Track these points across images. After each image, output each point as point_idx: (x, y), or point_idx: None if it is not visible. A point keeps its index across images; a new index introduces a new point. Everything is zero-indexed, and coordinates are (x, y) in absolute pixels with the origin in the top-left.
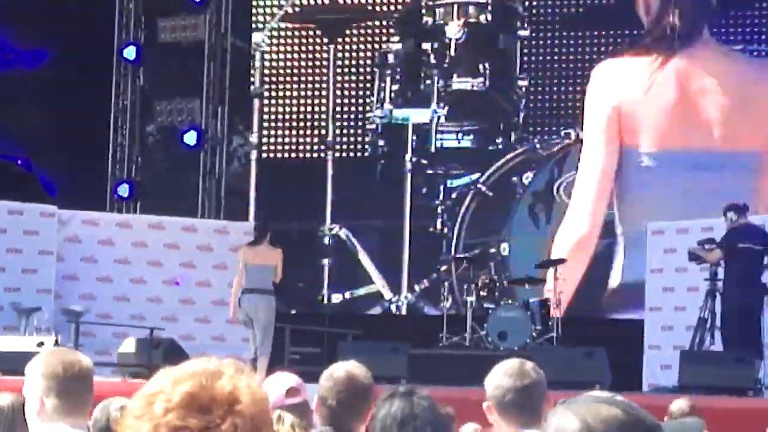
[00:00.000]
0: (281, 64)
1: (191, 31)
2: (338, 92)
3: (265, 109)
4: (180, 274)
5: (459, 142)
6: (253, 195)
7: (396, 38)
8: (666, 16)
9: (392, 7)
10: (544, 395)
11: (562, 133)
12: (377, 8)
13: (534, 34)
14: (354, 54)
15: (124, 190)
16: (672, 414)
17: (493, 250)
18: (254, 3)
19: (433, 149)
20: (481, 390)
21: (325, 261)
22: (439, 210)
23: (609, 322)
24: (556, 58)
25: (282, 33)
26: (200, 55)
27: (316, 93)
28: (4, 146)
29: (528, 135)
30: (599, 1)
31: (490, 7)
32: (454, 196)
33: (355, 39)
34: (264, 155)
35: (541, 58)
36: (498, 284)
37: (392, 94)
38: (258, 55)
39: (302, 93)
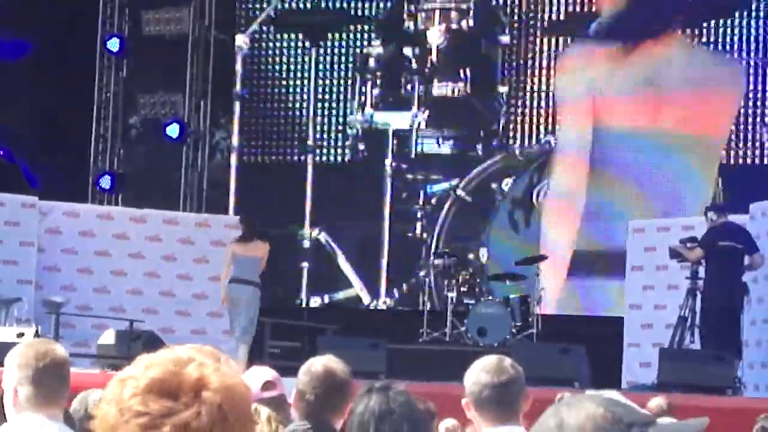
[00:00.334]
0: (263, 66)
1: (175, 24)
2: (319, 96)
3: (246, 112)
4: (161, 266)
5: (439, 147)
6: (233, 189)
7: (377, 42)
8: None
9: (374, 12)
10: (522, 392)
11: (542, 140)
12: (359, 12)
13: (515, 41)
14: (335, 58)
15: (106, 182)
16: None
17: (471, 256)
18: None
19: (413, 154)
20: (460, 386)
21: (304, 264)
22: (419, 215)
23: (589, 320)
24: (536, 64)
25: (264, 36)
26: (184, 48)
27: (297, 96)
28: None
29: (508, 141)
30: (581, 9)
31: (472, 13)
32: (433, 201)
33: (336, 43)
34: (245, 158)
35: (522, 64)
36: (478, 280)
37: (373, 99)
38: (240, 58)
39: (283, 96)
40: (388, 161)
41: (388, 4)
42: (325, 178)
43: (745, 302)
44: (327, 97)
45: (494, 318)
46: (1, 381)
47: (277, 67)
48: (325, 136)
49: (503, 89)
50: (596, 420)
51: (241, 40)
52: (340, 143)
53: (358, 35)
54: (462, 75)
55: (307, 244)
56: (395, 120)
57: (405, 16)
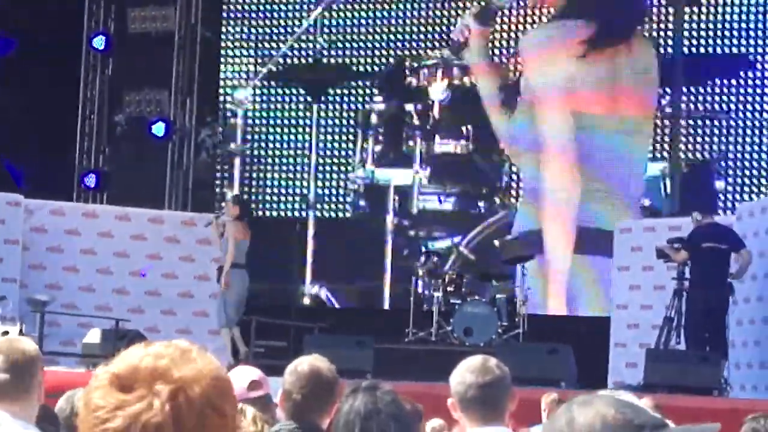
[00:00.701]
0: (264, 121)
1: (161, 22)
2: (320, 151)
3: (247, 167)
4: (146, 265)
5: (441, 204)
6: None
7: (379, 98)
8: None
9: (376, 68)
10: (508, 391)
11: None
12: (361, 68)
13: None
14: (337, 113)
15: (91, 180)
16: None
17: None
18: None
19: (414, 211)
20: (446, 385)
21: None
22: (420, 272)
23: (576, 320)
24: None
25: (265, 91)
26: (170, 46)
27: (299, 152)
28: None
29: (510, 199)
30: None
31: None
32: (435, 259)
33: (338, 98)
34: None
35: None
36: (465, 280)
37: (374, 155)
38: (241, 113)
39: (284, 152)
40: (389, 218)
41: (390, 60)
42: (326, 234)
43: (730, 303)
44: (328, 152)
45: (480, 318)
46: None
47: (278, 122)
48: (327, 191)
49: (505, 146)
50: (606, 420)
51: (243, 95)
52: (341, 199)
53: (360, 91)
54: (464, 132)
55: (307, 300)
56: (397, 176)
57: (407, 72)
